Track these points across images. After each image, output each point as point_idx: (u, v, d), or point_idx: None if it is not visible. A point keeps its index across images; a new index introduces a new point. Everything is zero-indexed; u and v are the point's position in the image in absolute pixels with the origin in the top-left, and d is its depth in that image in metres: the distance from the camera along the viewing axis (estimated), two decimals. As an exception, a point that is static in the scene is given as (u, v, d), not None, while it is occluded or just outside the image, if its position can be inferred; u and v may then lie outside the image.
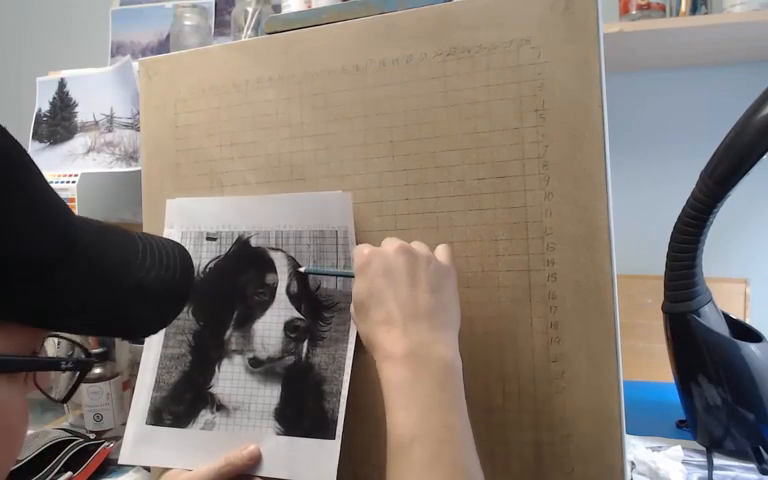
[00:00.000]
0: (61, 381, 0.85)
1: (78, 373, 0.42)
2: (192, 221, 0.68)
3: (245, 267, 0.65)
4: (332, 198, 0.62)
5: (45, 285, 0.35)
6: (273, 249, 0.64)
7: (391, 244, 0.54)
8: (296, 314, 0.62)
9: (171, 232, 0.68)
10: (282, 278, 0.63)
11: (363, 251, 0.55)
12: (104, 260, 0.40)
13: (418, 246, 0.55)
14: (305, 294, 0.63)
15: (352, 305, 0.56)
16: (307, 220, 0.63)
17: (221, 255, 0.66)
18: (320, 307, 0.62)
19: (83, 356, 0.45)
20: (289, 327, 0.62)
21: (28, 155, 0.36)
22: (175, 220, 0.69)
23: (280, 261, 0.64)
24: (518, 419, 0.58)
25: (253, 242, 0.65)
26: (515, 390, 0.58)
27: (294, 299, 0.63)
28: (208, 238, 0.66)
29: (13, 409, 0.37)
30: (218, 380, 0.64)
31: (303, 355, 0.62)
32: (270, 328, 0.63)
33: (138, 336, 0.58)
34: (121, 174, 1.06)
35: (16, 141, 0.35)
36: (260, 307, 0.64)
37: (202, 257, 0.66)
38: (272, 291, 0.63)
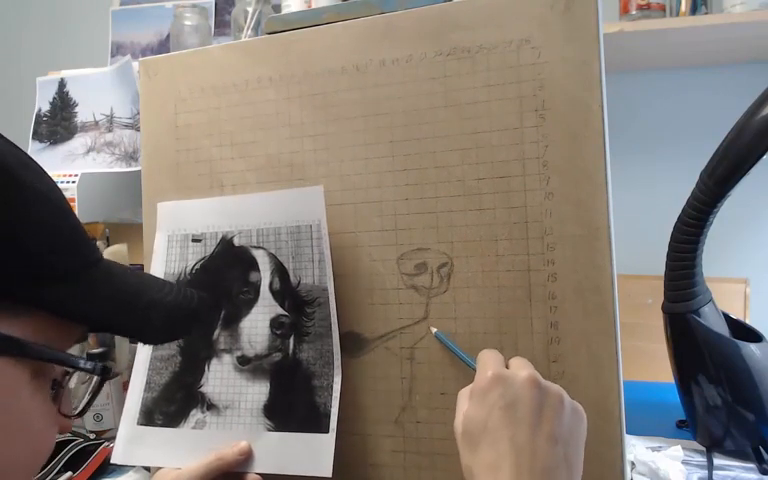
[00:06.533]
0: (78, 394, 0.84)
1: (97, 381, 0.43)
2: (178, 224, 0.68)
3: (229, 267, 0.65)
4: (305, 193, 0.63)
5: (71, 284, 0.40)
6: (255, 247, 0.64)
7: (521, 369, 0.48)
8: (280, 311, 0.63)
9: (158, 235, 0.69)
10: (265, 276, 0.64)
11: (486, 373, 0.48)
12: (123, 277, 0.46)
13: (551, 384, 0.48)
14: (287, 291, 0.63)
15: (459, 425, 0.48)
16: (285, 216, 0.63)
17: (206, 256, 0.66)
18: (302, 303, 0.62)
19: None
20: (274, 324, 0.62)
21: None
22: (162, 223, 0.69)
23: (262, 259, 0.64)
24: (518, 419, 0.58)
25: (236, 241, 0.65)
26: (515, 390, 0.58)
27: (277, 296, 0.63)
28: (193, 240, 0.67)
29: (37, 411, 0.39)
30: (208, 379, 0.64)
31: (290, 351, 0.62)
32: (256, 326, 0.63)
33: (149, 342, 0.63)
34: (121, 174, 1.06)
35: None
36: (246, 305, 0.64)
37: (188, 259, 0.67)
38: (256, 289, 0.64)
